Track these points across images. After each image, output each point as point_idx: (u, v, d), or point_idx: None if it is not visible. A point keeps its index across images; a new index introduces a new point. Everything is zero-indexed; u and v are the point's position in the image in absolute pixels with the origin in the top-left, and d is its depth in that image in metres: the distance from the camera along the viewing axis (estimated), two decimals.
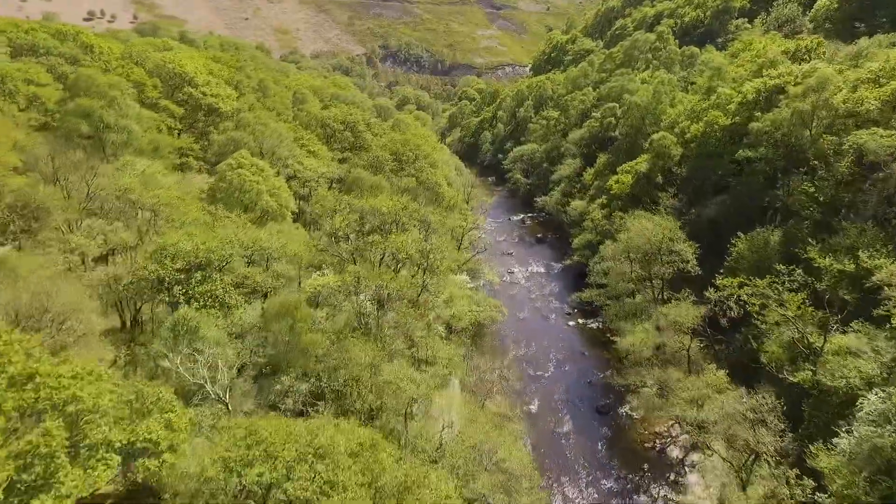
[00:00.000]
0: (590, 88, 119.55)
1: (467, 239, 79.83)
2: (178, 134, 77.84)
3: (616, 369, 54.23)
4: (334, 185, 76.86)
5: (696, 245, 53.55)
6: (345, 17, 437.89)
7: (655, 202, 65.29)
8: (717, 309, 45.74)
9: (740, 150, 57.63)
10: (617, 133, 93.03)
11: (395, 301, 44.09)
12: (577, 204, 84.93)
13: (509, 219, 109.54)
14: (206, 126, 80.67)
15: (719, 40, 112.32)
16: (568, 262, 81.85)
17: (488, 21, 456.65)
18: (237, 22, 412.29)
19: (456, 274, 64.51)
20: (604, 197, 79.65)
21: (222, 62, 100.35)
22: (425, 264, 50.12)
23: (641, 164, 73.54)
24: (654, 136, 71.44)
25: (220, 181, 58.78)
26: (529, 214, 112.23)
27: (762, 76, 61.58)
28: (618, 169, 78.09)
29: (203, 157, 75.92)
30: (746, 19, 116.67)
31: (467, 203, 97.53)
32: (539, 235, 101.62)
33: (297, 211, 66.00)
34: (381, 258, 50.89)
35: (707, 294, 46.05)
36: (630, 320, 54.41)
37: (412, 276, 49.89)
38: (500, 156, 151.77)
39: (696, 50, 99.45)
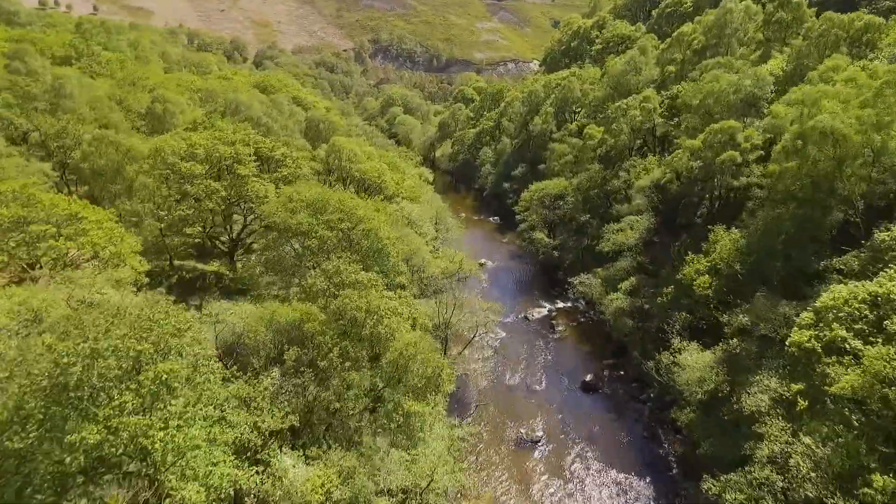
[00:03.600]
0: (651, 91, 71.98)
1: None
2: None
3: None
4: None
5: None
6: (332, 8, 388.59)
7: None
8: None
9: None
10: (751, 181, 46.06)
11: None
12: (684, 358, 37.91)
13: (525, 317, 62.18)
14: None
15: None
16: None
17: (489, 13, 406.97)
18: (212, 14, 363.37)
19: None
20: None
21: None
22: None
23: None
24: None
25: None
26: (558, 305, 65.12)
27: None
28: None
29: None
30: None
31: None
32: (585, 363, 54.52)
33: None
34: None
35: None
36: None
37: None
38: (505, 184, 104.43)
39: (875, 20, 51.87)
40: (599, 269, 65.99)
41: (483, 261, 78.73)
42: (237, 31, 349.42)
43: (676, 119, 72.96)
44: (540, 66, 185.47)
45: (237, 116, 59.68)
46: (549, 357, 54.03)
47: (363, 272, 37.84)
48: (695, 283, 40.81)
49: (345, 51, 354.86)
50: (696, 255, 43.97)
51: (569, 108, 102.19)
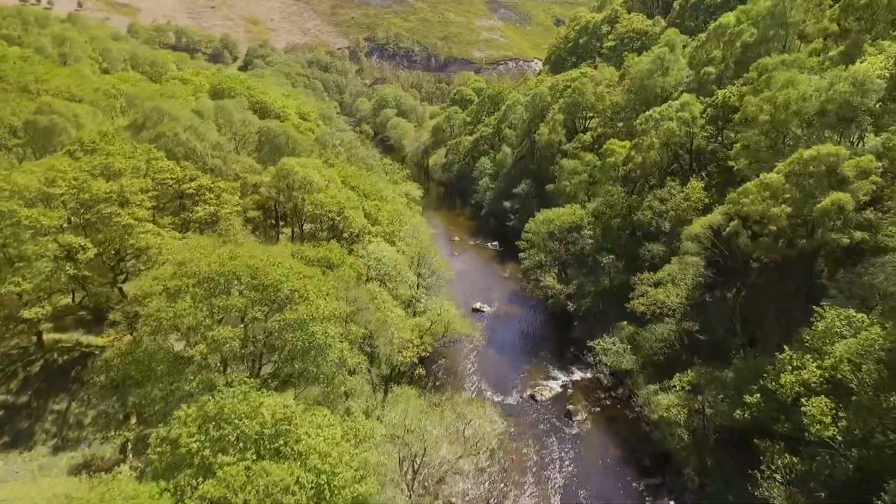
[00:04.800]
0: (691, 98, 56.43)
1: None
2: None
3: None
4: None
5: None
6: (326, 5, 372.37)
7: None
8: None
9: None
10: (865, 237, 30.76)
11: None
12: None
13: (531, 396, 46.65)
14: None
15: None
16: None
17: (488, 10, 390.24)
18: (202, 10, 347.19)
19: None
20: None
21: None
22: None
23: None
24: None
25: None
26: (574, 376, 49.74)
27: None
28: None
29: None
30: None
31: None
32: (616, 479, 39.25)
33: None
34: None
35: None
36: None
37: None
38: (506, 203, 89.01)
39: None
40: (625, 324, 50.97)
41: (478, 305, 63.41)
42: (228, 28, 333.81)
43: (721, 132, 57.81)
44: (543, 65, 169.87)
45: (151, 132, 44.35)
46: (566, 467, 38.67)
47: (279, 397, 22.83)
48: (805, 410, 25.45)
49: (339, 49, 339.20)
50: (797, 351, 28.55)
51: (580, 114, 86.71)
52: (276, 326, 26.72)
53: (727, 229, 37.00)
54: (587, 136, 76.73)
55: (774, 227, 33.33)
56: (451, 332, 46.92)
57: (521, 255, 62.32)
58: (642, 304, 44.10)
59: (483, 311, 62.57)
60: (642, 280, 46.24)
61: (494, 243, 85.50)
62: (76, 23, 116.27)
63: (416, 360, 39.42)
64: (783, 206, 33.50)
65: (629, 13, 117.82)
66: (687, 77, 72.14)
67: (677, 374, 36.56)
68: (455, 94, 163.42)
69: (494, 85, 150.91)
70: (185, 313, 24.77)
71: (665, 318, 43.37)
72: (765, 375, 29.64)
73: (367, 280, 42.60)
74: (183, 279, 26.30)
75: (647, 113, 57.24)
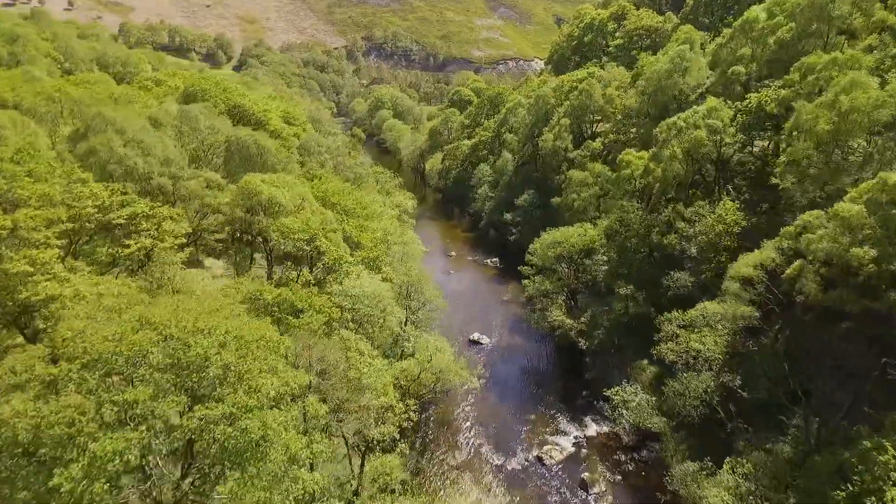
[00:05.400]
0: (719, 102, 48.80)
1: None
2: None
3: None
4: None
5: None
6: (323, 4, 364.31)
7: None
8: None
9: None
10: None
11: None
12: None
13: (538, 457, 39.25)
14: None
15: None
16: None
17: (488, 9, 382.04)
18: (197, 9, 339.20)
19: None
20: None
21: None
22: None
23: None
24: None
25: None
26: (589, 431, 42.23)
27: None
28: None
29: None
30: None
31: None
32: None
33: None
34: None
35: None
36: None
37: None
38: (507, 214, 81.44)
39: None
40: (645, 364, 43.84)
41: (476, 336, 55.92)
42: (223, 27, 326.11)
43: (752, 141, 50.39)
44: (545, 65, 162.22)
45: (84, 146, 36.86)
46: None
47: None
48: None
49: (336, 49, 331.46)
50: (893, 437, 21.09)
51: (588, 118, 79.20)
52: (194, 425, 19.25)
53: (787, 272, 29.41)
54: (597, 144, 69.21)
55: (859, 276, 25.75)
56: (444, 381, 39.45)
57: (526, 282, 54.81)
58: (672, 352, 36.63)
59: (481, 344, 55.11)
60: (670, 319, 38.81)
61: (494, 259, 77.96)
62: (40, 19, 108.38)
63: (396, 436, 31.93)
64: (865, 246, 25.98)
65: (637, 9, 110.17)
66: (707, 78, 64.76)
67: (728, 461, 28.99)
68: (454, 95, 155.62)
69: (494, 86, 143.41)
70: (56, 420, 17.28)
71: (699, 368, 35.91)
72: (854, 478, 22.12)
73: (341, 326, 35.17)
74: (62, 364, 18.81)
75: (669, 120, 49.66)
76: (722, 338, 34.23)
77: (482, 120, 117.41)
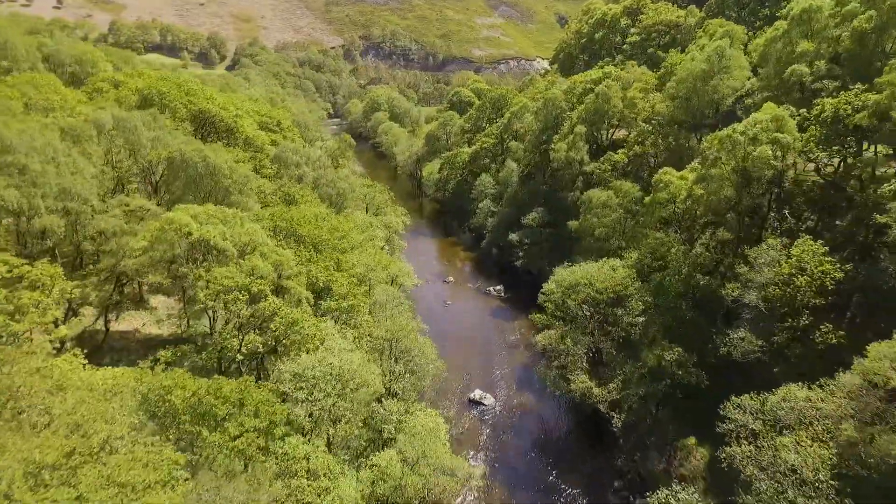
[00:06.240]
0: (780, 110, 38.43)
1: None
2: None
3: None
4: None
5: None
6: (320, 2, 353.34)
7: None
8: None
9: None
10: None
11: None
12: None
13: None
14: None
15: None
16: None
17: (488, 7, 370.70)
18: (191, 7, 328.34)
19: None
20: None
21: None
22: None
23: None
24: None
25: None
26: None
27: None
28: None
29: None
30: None
31: None
32: None
33: None
34: None
35: None
36: None
37: None
38: (512, 235, 70.77)
39: None
40: (693, 443, 33.88)
41: (477, 395, 45.43)
42: (217, 26, 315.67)
43: (829, 160, 39.89)
44: (550, 64, 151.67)
45: None
46: None
47: None
48: None
49: (333, 48, 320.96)
50: None
51: (605, 125, 68.71)
52: None
53: None
54: (620, 156, 58.66)
55: None
56: (437, 490, 29.04)
57: (539, 336, 44.17)
58: (749, 461, 26.16)
59: (484, 404, 44.63)
60: (741, 406, 28.37)
61: (498, 287, 67.38)
62: None
63: None
64: None
65: (654, 2, 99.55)
66: (748, 79, 54.49)
67: None
68: (453, 96, 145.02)
69: (497, 87, 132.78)
70: None
71: (792, 487, 25.43)
72: None
73: (292, 431, 24.71)
74: None
75: (721, 132, 39.12)
76: (831, 448, 23.79)
77: (483, 124, 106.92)
